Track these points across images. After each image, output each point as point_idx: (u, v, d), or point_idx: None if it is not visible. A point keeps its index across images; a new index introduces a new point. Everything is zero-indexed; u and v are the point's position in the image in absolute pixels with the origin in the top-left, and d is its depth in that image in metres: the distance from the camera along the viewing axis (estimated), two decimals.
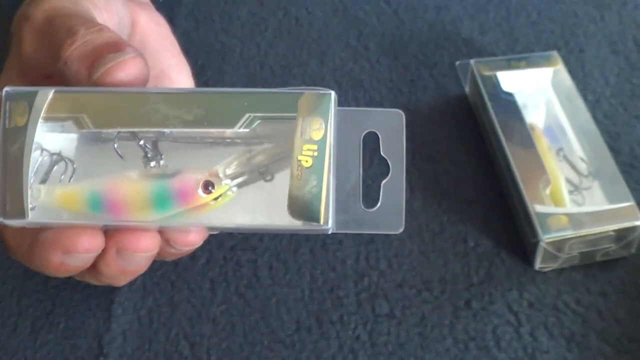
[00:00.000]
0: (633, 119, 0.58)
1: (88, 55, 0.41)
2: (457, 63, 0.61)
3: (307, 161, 0.40)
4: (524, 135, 0.54)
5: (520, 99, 0.56)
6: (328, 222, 0.39)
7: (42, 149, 0.41)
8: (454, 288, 0.50)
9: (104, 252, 0.41)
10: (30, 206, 0.40)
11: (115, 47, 0.41)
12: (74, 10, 0.45)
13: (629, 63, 0.62)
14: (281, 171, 0.41)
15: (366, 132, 0.42)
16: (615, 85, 0.61)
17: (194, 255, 0.52)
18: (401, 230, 0.41)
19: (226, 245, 0.53)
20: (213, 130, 0.41)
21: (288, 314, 0.50)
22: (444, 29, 0.64)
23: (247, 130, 0.40)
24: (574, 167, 0.53)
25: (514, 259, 0.52)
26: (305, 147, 0.40)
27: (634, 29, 0.64)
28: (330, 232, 0.40)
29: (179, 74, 0.51)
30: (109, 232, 0.41)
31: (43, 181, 0.40)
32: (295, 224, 0.39)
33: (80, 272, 0.44)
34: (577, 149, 0.53)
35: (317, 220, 0.39)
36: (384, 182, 0.41)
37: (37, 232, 0.41)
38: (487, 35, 0.64)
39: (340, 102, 0.59)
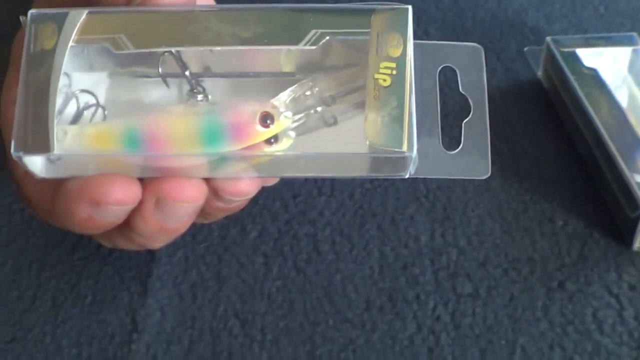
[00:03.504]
0: None
1: None
2: (526, 49, 0.56)
3: (385, 80, 0.34)
4: (613, 107, 0.48)
5: (603, 75, 0.51)
6: (412, 148, 0.33)
7: (70, 80, 0.35)
8: (544, 268, 0.44)
9: (140, 204, 0.34)
10: (54, 143, 0.33)
11: None
12: None
13: None
14: (348, 111, 0.35)
15: (442, 66, 0.36)
16: None
17: (243, 228, 0.46)
18: (487, 175, 0.35)
19: (281, 218, 0.46)
20: (274, 48, 0.35)
21: (355, 292, 0.43)
22: (508, 18, 0.59)
23: (313, 47, 0.34)
24: None
25: (608, 240, 0.45)
26: (383, 64, 0.34)
27: None
28: (412, 165, 0.33)
29: None
30: (146, 181, 0.34)
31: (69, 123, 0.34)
32: (373, 150, 0.33)
33: (110, 233, 0.37)
34: None
35: (399, 146, 0.33)
36: (465, 121, 0.35)
37: (61, 182, 0.34)
38: (554, 25, 0.59)
39: None
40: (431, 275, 0.43)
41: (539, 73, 0.55)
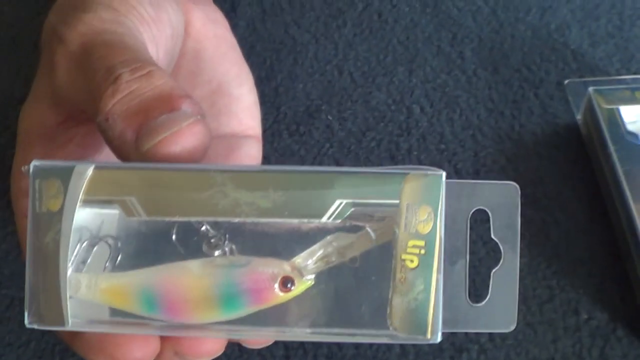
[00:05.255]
0: None
1: (135, 113, 0.33)
2: (567, 82, 0.53)
3: (412, 261, 0.32)
4: None
5: None
6: (437, 334, 0.32)
7: (81, 233, 0.33)
8: None
9: (159, 354, 0.34)
10: (68, 297, 0.32)
11: (168, 104, 0.33)
12: (116, 35, 0.36)
13: None
14: (373, 262, 0.34)
15: (474, 210, 0.34)
16: None
17: None
18: (513, 328, 0.34)
19: None
20: (295, 222, 0.33)
21: None
22: (550, 37, 0.55)
23: (337, 221, 0.33)
24: None
25: (630, 338, 0.45)
26: (411, 243, 0.32)
27: None
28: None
29: (239, 87, 0.43)
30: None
31: (83, 263, 0.33)
32: (396, 335, 0.32)
33: None
34: None
35: (424, 333, 0.32)
36: (494, 270, 0.34)
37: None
38: (599, 49, 0.55)
39: (432, 124, 0.52)
40: None
41: (578, 117, 0.52)
